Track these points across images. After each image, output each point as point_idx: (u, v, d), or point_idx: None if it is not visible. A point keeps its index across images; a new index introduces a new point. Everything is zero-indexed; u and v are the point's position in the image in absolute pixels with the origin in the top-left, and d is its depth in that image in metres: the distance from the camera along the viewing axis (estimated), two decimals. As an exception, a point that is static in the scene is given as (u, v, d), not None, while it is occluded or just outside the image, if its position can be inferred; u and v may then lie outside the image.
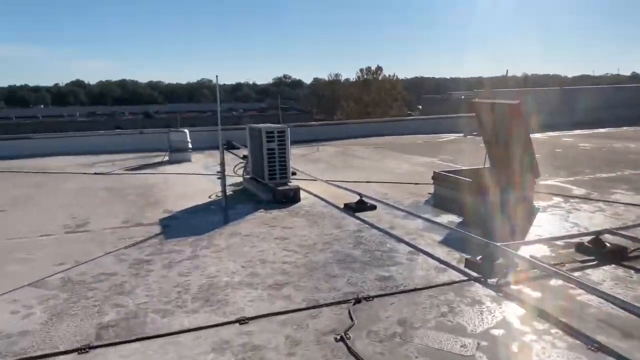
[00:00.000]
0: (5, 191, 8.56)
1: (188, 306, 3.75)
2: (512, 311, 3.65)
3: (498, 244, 4.54)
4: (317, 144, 13.92)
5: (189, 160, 12.11)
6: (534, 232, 5.57)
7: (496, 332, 3.37)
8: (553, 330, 3.36)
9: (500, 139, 7.11)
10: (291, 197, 7.18)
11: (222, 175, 6.97)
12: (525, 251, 4.80)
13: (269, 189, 7.35)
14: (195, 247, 5.16)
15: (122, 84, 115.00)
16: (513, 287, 4.11)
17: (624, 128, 17.30)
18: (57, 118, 60.52)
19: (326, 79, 68.68)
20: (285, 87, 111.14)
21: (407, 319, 3.55)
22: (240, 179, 8.81)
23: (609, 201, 6.92)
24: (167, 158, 12.12)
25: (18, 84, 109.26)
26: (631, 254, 4.76)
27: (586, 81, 66.99)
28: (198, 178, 9.67)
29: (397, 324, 3.47)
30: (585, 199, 7.12)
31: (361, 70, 61.29)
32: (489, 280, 4.25)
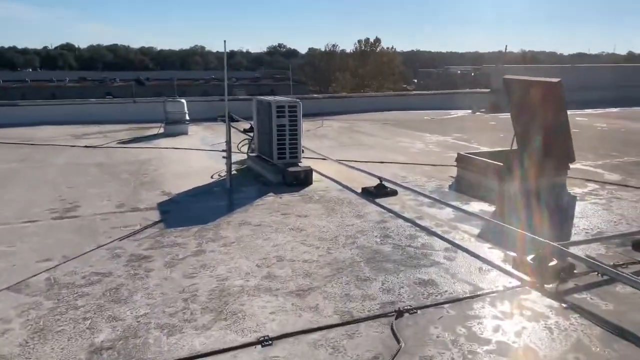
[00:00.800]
0: (-14, 166, 7.81)
1: (197, 320, 3.13)
2: (586, 329, 3.07)
3: (555, 243, 3.94)
4: (321, 118, 13.19)
5: (185, 133, 11.35)
6: (580, 226, 4.99)
7: (572, 357, 2.79)
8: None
9: (535, 120, 6.45)
10: (302, 179, 6.52)
11: (228, 155, 6.27)
12: (578, 250, 4.22)
13: (277, 169, 6.69)
14: (200, 240, 4.52)
15: (114, 49, 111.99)
16: (576, 295, 3.53)
17: (636, 108, 16.66)
18: (46, 82, 58.77)
19: (322, 49, 66.96)
20: (279, 57, 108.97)
21: (463, 339, 2.96)
22: (243, 156, 8.12)
23: (650, 189, 6.34)
24: (162, 130, 11.36)
25: (5, 45, 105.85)
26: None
27: (583, 59, 66.05)
28: (197, 154, 8.96)
29: (453, 346, 2.88)
30: (623, 185, 6.54)
31: (359, 41, 59.75)
32: (545, 285, 3.68)
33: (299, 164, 6.88)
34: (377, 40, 59.08)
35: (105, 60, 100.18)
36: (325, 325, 3.09)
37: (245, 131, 10.89)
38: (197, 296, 3.45)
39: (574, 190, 6.31)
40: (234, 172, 7.19)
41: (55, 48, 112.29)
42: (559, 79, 5.98)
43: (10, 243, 4.46)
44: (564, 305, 3.39)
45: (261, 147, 7.28)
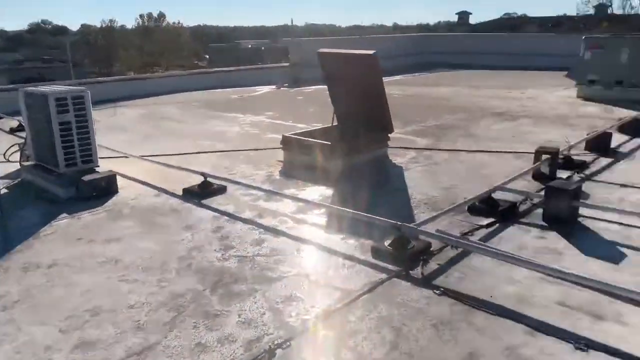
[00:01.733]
0: None
1: None
2: (469, 316, 2.85)
3: (410, 224, 3.72)
4: (113, 105, 11.40)
5: None
6: (416, 197, 4.93)
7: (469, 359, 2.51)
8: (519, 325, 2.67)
9: (353, 93, 6.30)
10: (104, 189, 5.23)
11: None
12: (427, 227, 4.08)
13: (68, 180, 5.24)
14: (-37, 307, 3.10)
15: None
16: (443, 277, 3.34)
17: (410, 75, 18.34)
18: None
19: (98, 25, 60.19)
20: (44, 34, 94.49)
21: (353, 371, 2.44)
22: (14, 166, 6.29)
23: (457, 150, 6.81)
24: None
25: None
26: (520, 208, 4.52)
27: (360, 31, 72.65)
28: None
29: (347, 386, 2.34)
30: (437, 149, 6.88)
31: (141, 16, 55.45)
32: (411, 272, 3.42)
33: (96, 169, 5.54)
34: (162, 15, 55.64)
35: None
36: (181, 404, 2.25)
37: (13, 131, 8.72)
38: (-34, 411, 2.23)
39: (397, 159, 6.39)
40: (4, 190, 5.50)
41: None
42: (374, 51, 5.88)
43: None
44: (436, 292, 3.14)
45: (39, 153, 5.67)
